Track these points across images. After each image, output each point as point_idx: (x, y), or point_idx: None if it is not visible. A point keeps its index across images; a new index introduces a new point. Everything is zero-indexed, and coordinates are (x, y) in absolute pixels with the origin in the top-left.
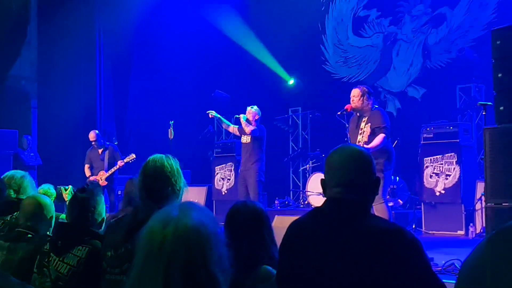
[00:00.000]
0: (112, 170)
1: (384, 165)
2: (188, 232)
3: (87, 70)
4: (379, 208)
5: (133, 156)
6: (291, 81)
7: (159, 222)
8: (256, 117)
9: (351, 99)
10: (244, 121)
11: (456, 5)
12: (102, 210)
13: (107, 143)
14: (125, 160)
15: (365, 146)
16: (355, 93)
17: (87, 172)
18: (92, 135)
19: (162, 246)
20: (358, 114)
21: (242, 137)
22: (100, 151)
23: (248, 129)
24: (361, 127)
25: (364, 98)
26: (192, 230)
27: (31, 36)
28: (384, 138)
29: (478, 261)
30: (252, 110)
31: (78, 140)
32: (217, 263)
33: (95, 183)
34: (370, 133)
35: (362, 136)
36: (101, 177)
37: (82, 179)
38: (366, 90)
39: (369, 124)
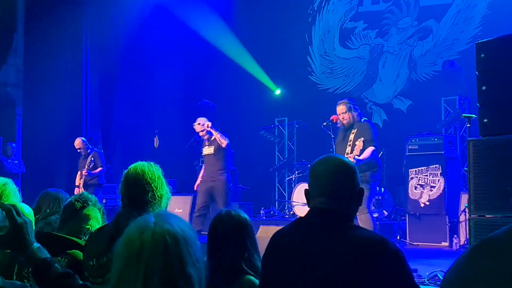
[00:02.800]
0: (82, 180)
1: (370, 176)
2: (165, 237)
3: (73, 77)
4: (363, 218)
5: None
6: (278, 91)
7: (136, 229)
8: (208, 128)
9: (340, 117)
10: (218, 132)
11: (442, 18)
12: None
13: (95, 148)
14: (87, 168)
15: (356, 157)
16: (342, 109)
17: (77, 181)
18: (76, 143)
19: (140, 252)
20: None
21: (205, 148)
22: (83, 157)
23: (225, 142)
24: (350, 138)
25: (352, 111)
26: (169, 235)
27: (17, 43)
28: (374, 151)
29: (460, 271)
30: (199, 126)
31: (63, 148)
32: (193, 266)
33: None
34: (363, 147)
35: (352, 149)
36: (80, 186)
37: (67, 186)
38: (349, 102)
39: (361, 138)
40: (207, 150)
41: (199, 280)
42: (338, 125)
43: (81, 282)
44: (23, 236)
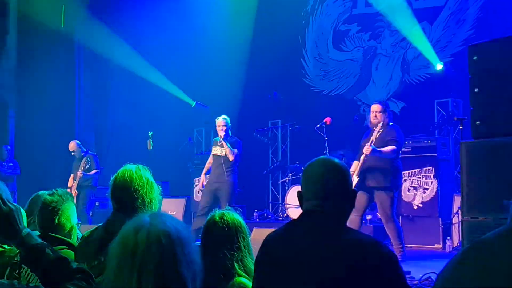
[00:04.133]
0: (75, 182)
1: (392, 182)
2: (160, 236)
3: (66, 79)
4: (390, 227)
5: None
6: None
7: (131, 229)
8: (226, 130)
9: (373, 115)
10: (229, 147)
11: (435, 21)
12: (72, 216)
13: (89, 152)
14: (82, 170)
15: (373, 146)
16: (377, 108)
17: (69, 183)
18: (70, 146)
19: (135, 252)
20: (374, 129)
21: (216, 148)
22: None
23: (232, 156)
24: (372, 138)
25: (385, 113)
26: (164, 235)
27: (10, 45)
28: (394, 150)
29: (453, 273)
30: (222, 122)
31: (56, 150)
32: (186, 266)
33: (65, 190)
34: (380, 144)
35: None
36: (73, 188)
37: (60, 188)
38: (386, 105)
39: (382, 137)
40: (219, 150)
41: (192, 281)
42: (370, 125)
43: (75, 265)
44: (11, 224)
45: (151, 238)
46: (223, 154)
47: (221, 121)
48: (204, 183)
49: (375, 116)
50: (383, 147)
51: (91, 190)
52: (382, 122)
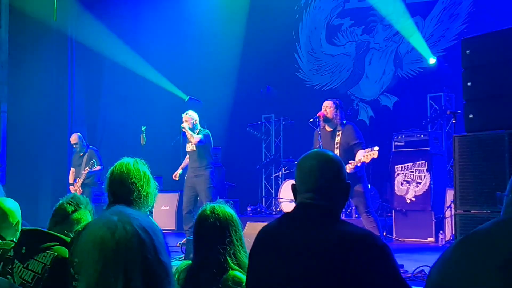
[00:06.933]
0: (79, 178)
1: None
2: (137, 231)
3: (59, 74)
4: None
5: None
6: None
7: (106, 230)
8: (195, 122)
9: (323, 109)
10: (189, 131)
11: (428, 15)
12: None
13: (90, 146)
14: (89, 169)
15: (356, 166)
16: (329, 104)
17: (70, 178)
18: (72, 138)
19: (117, 252)
20: (327, 126)
21: (188, 144)
22: (80, 155)
23: (194, 140)
24: (336, 141)
25: (337, 111)
26: (140, 228)
27: (2, 39)
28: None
29: (446, 265)
30: (187, 117)
31: (48, 145)
32: (165, 254)
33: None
34: (352, 149)
35: (340, 152)
36: (77, 186)
37: (52, 183)
38: (338, 103)
39: (344, 141)
40: (190, 146)
41: (169, 266)
42: (320, 122)
43: None
44: None
45: (129, 234)
46: (195, 148)
47: (185, 116)
48: (178, 175)
49: (325, 111)
50: (348, 151)
51: (94, 187)
52: (333, 119)
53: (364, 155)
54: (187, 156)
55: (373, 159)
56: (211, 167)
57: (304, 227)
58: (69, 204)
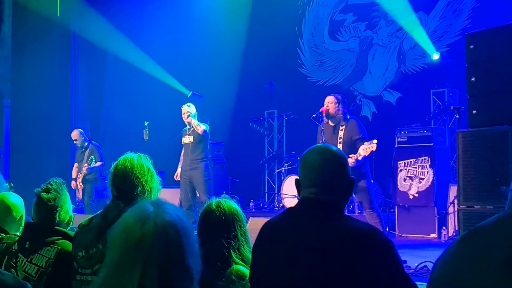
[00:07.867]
0: (80, 174)
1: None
2: (167, 227)
3: (62, 69)
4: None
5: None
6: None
7: (136, 219)
8: (192, 116)
9: (325, 105)
10: (195, 120)
11: (431, 11)
12: (69, 208)
13: (93, 142)
14: (88, 165)
15: (357, 159)
16: (331, 99)
17: (73, 173)
18: (73, 134)
19: (141, 244)
20: (330, 121)
21: (185, 137)
22: (82, 150)
23: (200, 129)
24: (339, 136)
25: (339, 106)
26: (170, 226)
27: (5, 34)
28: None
29: (449, 261)
30: (187, 108)
31: (51, 140)
32: (191, 257)
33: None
34: (355, 144)
35: (343, 147)
36: (78, 181)
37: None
38: (341, 98)
39: (347, 136)
40: (187, 139)
41: (195, 271)
42: (323, 117)
43: None
44: None
45: (158, 229)
46: (192, 140)
47: (185, 108)
48: (178, 175)
49: (327, 106)
50: (352, 145)
51: (96, 183)
52: (335, 115)
53: (364, 149)
54: (182, 152)
55: (376, 154)
56: (206, 160)
57: (308, 221)
58: (45, 192)
